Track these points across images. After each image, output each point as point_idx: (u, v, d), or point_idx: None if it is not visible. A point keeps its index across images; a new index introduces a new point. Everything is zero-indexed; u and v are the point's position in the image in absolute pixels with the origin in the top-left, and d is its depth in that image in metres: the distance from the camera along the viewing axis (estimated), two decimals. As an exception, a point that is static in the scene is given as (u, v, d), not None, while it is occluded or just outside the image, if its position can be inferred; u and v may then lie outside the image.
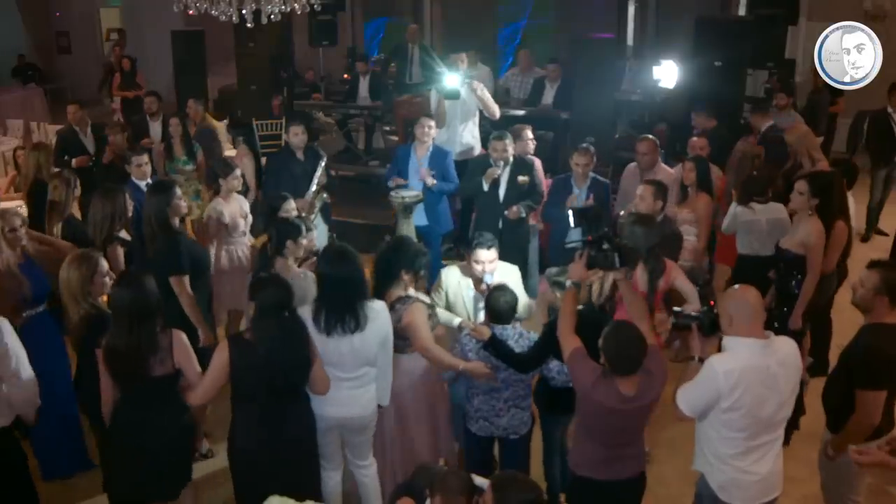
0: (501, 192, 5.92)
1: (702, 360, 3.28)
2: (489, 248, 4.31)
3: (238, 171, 5.75)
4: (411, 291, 3.99)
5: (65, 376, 4.65)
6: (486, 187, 5.87)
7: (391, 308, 3.84)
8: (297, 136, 6.26)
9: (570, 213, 3.55)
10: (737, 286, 3.33)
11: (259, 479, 3.51)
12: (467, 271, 4.44)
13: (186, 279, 4.52)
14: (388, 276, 3.94)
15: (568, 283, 3.51)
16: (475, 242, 4.37)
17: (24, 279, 4.30)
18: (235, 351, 3.45)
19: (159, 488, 3.67)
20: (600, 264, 3.43)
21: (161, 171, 7.27)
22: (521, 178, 5.86)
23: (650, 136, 6.17)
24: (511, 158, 5.92)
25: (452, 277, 4.49)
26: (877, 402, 3.41)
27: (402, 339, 3.89)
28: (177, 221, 4.73)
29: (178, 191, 4.79)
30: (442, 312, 4.38)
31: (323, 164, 6.23)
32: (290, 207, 5.03)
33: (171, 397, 3.56)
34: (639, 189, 5.05)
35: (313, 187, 6.10)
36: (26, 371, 3.61)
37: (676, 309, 3.69)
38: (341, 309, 3.58)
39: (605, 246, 3.40)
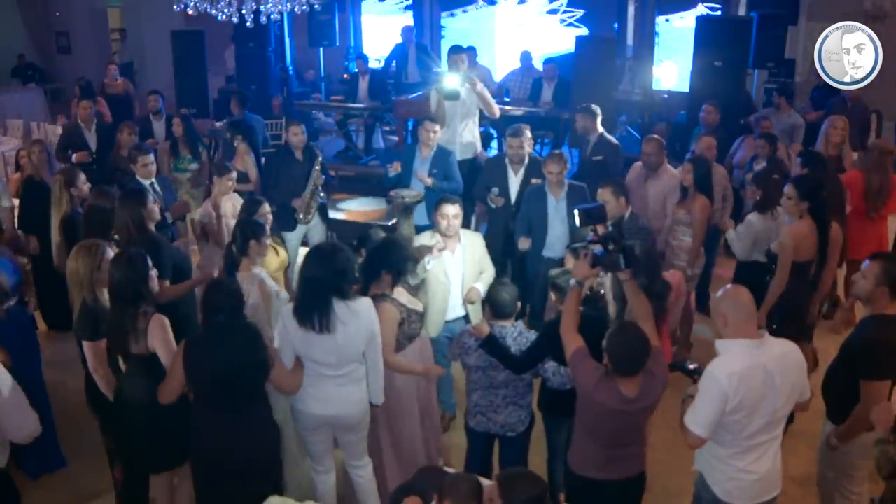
0: (513, 193, 5.85)
1: (692, 372, 3.28)
2: (453, 203, 4.63)
3: (234, 174, 5.73)
4: (394, 293, 3.98)
5: (37, 371, 4.67)
6: (493, 206, 5.85)
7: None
8: (296, 136, 6.26)
9: (576, 212, 3.51)
10: (728, 286, 3.33)
11: (217, 481, 3.56)
12: (434, 236, 4.65)
13: (167, 283, 4.49)
14: (370, 273, 3.97)
15: (572, 281, 3.49)
16: (441, 198, 4.70)
17: (2, 274, 4.31)
18: (188, 354, 3.50)
19: (145, 461, 3.81)
20: (605, 264, 3.41)
21: (166, 170, 7.30)
22: (535, 181, 5.75)
23: (656, 137, 6.11)
24: (527, 158, 5.88)
25: (429, 235, 4.70)
26: (881, 392, 3.45)
27: None
28: (153, 226, 4.70)
29: (152, 196, 4.78)
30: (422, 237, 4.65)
31: (319, 162, 6.23)
32: (265, 211, 4.93)
33: (150, 374, 3.63)
34: (598, 193, 5.08)
35: (310, 187, 6.10)
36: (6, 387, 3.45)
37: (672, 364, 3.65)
38: (310, 307, 3.58)
39: (611, 246, 3.38)
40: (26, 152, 6.50)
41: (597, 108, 6.66)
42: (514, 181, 5.88)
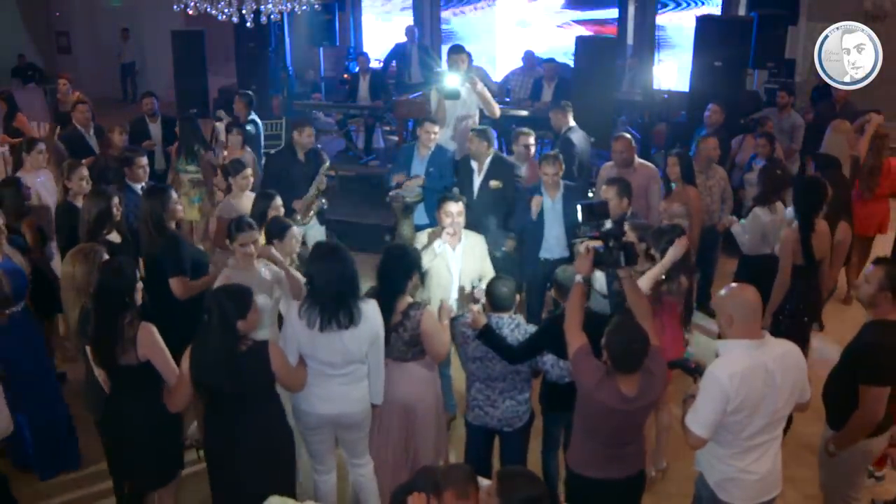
0: (474, 193, 5.87)
1: (694, 371, 3.29)
2: (457, 201, 4.65)
3: (248, 171, 5.74)
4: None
5: (49, 374, 4.68)
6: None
7: (405, 315, 3.84)
8: (308, 137, 6.29)
9: (579, 208, 3.51)
10: (734, 285, 3.32)
11: (229, 483, 3.56)
12: (437, 233, 4.66)
13: (187, 280, 4.53)
14: (398, 286, 3.88)
15: (577, 277, 3.46)
16: (443, 196, 4.69)
17: (5, 277, 4.32)
18: (192, 357, 3.49)
19: (138, 474, 3.79)
20: (606, 261, 3.41)
21: (173, 170, 7.35)
22: (492, 183, 5.79)
23: (625, 135, 6.18)
24: (489, 158, 5.88)
25: (429, 231, 4.74)
26: (880, 398, 3.43)
27: (414, 346, 3.89)
28: (173, 224, 4.72)
29: (174, 194, 4.79)
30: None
31: (326, 167, 6.25)
32: (278, 205, 4.99)
33: (140, 386, 3.60)
34: (602, 191, 5.09)
35: (313, 190, 6.10)
36: None
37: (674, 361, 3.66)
38: (335, 305, 3.57)
39: (612, 243, 3.37)
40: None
41: (567, 104, 6.83)
42: (477, 181, 5.91)
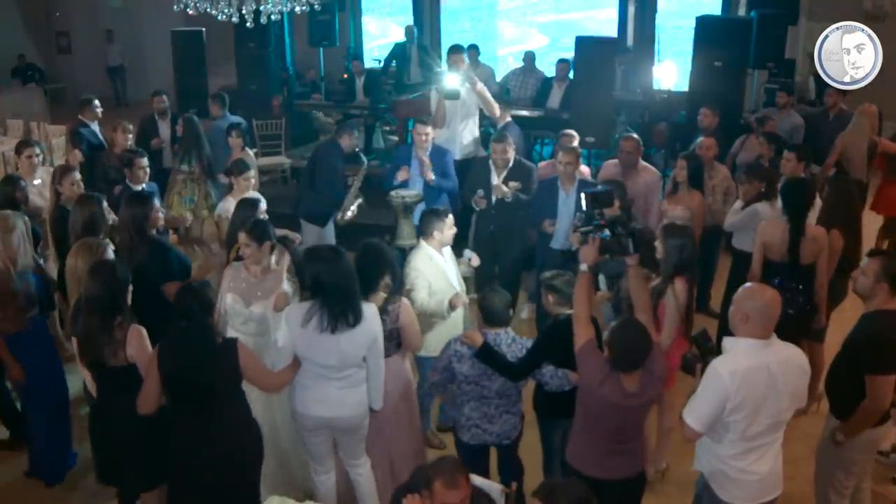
0: (494, 196, 5.89)
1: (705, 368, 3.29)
2: (448, 214, 4.64)
3: (251, 172, 5.72)
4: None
5: (61, 380, 4.67)
6: (476, 208, 5.89)
7: (383, 311, 3.85)
8: (355, 140, 6.55)
9: (583, 196, 3.46)
10: (754, 284, 3.30)
11: (190, 484, 3.55)
12: (435, 248, 4.56)
13: (179, 284, 4.48)
14: (370, 285, 3.87)
15: (582, 267, 3.39)
16: (442, 211, 4.63)
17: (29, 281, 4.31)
18: (159, 358, 3.47)
19: (126, 478, 3.79)
20: (613, 249, 3.35)
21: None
22: (511, 184, 5.83)
23: (634, 136, 6.22)
24: (511, 161, 5.91)
25: (427, 260, 4.54)
26: (886, 386, 3.48)
27: (390, 341, 3.91)
28: (154, 232, 4.67)
29: (157, 202, 4.75)
30: (427, 301, 4.42)
31: (365, 168, 6.40)
32: (262, 210, 4.99)
33: (128, 389, 3.58)
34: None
35: (353, 192, 6.27)
36: None
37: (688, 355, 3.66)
38: (345, 304, 3.57)
39: (619, 230, 3.32)
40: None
41: (509, 105, 7.29)
42: (495, 182, 5.91)
